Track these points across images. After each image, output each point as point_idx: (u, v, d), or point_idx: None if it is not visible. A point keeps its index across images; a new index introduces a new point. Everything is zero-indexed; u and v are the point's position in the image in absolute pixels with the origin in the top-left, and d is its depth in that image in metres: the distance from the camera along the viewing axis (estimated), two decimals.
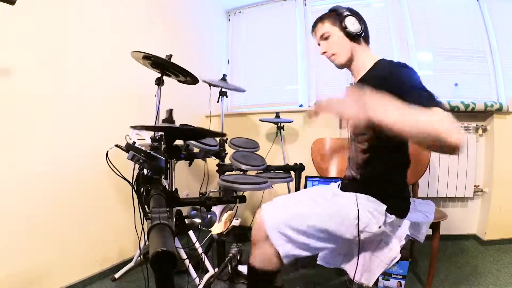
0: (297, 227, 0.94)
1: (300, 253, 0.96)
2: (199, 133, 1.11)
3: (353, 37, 1.06)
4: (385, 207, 0.98)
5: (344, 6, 1.09)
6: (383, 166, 1.03)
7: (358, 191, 1.03)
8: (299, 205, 1.04)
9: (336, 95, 0.83)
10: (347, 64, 1.11)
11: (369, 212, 0.97)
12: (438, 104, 0.77)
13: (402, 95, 0.79)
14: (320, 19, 1.12)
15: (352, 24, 1.04)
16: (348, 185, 1.14)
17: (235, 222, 1.47)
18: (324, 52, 1.11)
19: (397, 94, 0.80)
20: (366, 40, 1.10)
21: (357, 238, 0.96)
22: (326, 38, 1.10)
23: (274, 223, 0.94)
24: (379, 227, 0.97)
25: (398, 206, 1.03)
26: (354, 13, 1.07)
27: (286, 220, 0.94)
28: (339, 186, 1.24)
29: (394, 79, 0.90)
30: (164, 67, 1.51)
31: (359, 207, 0.96)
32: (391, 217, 1.00)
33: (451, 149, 0.69)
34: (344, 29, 1.05)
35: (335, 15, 1.08)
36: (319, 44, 1.14)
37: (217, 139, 1.76)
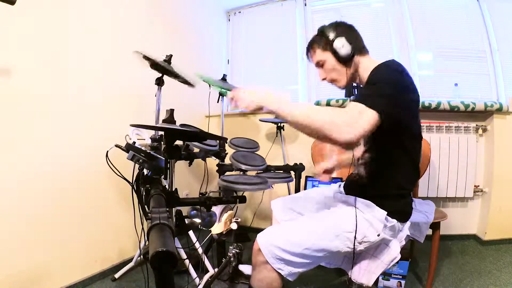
0: (293, 251, 0.92)
1: (303, 269, 0.96)
2: (200, 136, 1.11)
3: (345, 62, 1.02)
4: (385, 213, 0.97)
5: (330, 23, 1.05)
6: (383, 169, 1.02)
7: (360, 193, 1.02)
8: (293, 228, 1.01)
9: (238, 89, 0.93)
10: (351, 84, 1.09)
11: (366, 220, 0.96)
12: (373, 103, 0.79)
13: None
14: (311, 45, 1.08)
15: (341, 47, 1.00)
16: (350, 185, 1.14)
17: (234, 226, 1.47)
18: (324, 79, 1.10)
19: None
20: (362, 52, 1.05)
21: (353, 249, 0.95)
22: (322, 65, 1.07)
23: (271, 250, 0.92)
24: (378, 235, 0.96)
25: (400, 210, 1.02)
26: (341, 32, 1.01)
27: (281, 246, 0.92)
28: (340, 187, 1.24)
29: (370, 78, 0.93)
30: (164, 68, 1.51)
31: (357, 217, 0.95)
32: (392, 221, 0.98)
33: (340, 144, 0.78)
34: (334, 54, 1.02)
35: (324, 38, 1.03)
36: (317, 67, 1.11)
37: None
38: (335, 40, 1.00)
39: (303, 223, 1.03)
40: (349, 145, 0.76)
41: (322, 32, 1.04)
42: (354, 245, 0.94)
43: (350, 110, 0.80)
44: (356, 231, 0.94)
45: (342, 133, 0.76)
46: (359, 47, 1.03)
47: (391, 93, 0.85)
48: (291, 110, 0.83)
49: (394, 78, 0.91)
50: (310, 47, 1.09)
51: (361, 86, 1.10)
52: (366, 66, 1.04)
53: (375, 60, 1.05)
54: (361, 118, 0.78)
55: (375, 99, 0.81)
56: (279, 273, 0.93)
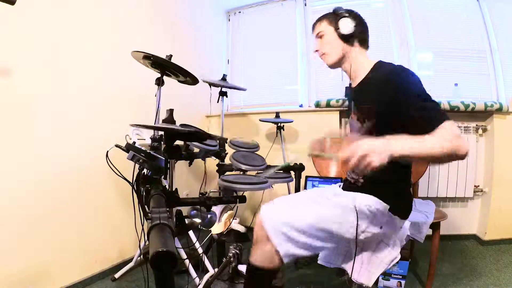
0: (297, 227, 0.93)
1: (300, 252, 0.96)
2: (200, 136, 1.11)
3: (346, 39, 1.06)
4: (387, 207, 0.98)
5: (347, 8, 1.10)
6: (385, 167, 1.02)
7: (361, 192, 1.02)
8: (299, 204, 1.04)
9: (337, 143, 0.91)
10: (338, 65, 1.13)
11: (370, 212, 0.97)
12: (443, 115, 0.80)
13: (406, 106, 0.85)
14: (320, 18, 1.13)
15: (345, 25, 1.05)
16: (350, 186, 1.14)
17: (237, 226, 1.47)
18: (317, 51, 1.15)
19: (399, 101, 0.86)
20: (363, 44, 1.09)
21: (356, 238, 0.95)
22: (321, 37, 1.12)
23: (274, 222, 0.94)
24: (380, 227, 0.97)
25: (401, 207, 1.03)
26: (353, 16, 1.06)
27: (286, 219, 0.94)
28: (341, 187, 1.24)
29: (396, 85, 0.91)
30: (164, 67, 1.51)
31: (360, 207, 0.95)
32: (394, 218, 0.99)
33: (462, 158, 0.77)
34: (337, 29, 1.06)
35: (334, 15, 1.09)
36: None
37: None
38: (344, 18, 1.05)
39: (309, 204, 1.04)
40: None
41: (335, 10, 1.10)
42: (356, 231, 0.95)
43: (444, 129, 0.79)
44: (357, 219, 0.95)
45: (463, 146, 0.77)
46: (362, 38, 1.08)
47: (431, 97, 0.87)
48: (415, 147, 0.79)
49: (416, 81, 0.92)
50: (319, 19, 1.14)
51: (356, 85, 1.11)
52: (359, 58, 1.08)
53: (370, 59, 1.08)
54: (455, 129, 0.79)
55: (439, 112, 0.83)
56: (277, 251, 0.94)
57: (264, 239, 0.95)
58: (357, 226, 0.94)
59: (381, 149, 0.76)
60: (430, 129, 0.79)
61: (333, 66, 1.14)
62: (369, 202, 0.99)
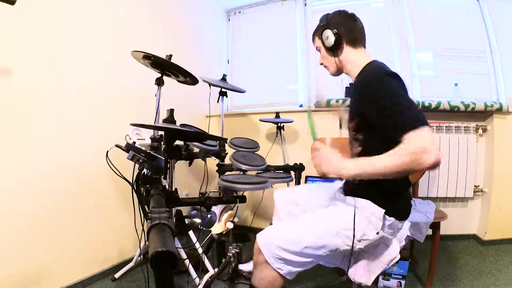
0: (293, 250, 0.93)
1: (302, 268, 0.97)
2: (200, 136, 1.12)
3: (332, 50, 1.08)
4: (383, 211, 0.97)
5: (328, 14, 1.11)
6: None
7: (358, 194, 1.02)
8: (292, 227, 1.02)
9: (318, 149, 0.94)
10: (339, 73, 1.15)
11: (366, 218, 0.96)
12: (415, 122, 0.78)
13: (382, 111, 0.86)
14: (313, 32, 1.17)
15: (326, 39, 1.07)
16: (348, 187, 1.14)
17: (230, 225, 1.47)
18: (321, 64, 1.19)
19: (377, 106, 0.87)
20: (353, 44, 1.07)
21: (352, 248, 0.95)
22: (319, 51, 1.17)
23: (270, 249, 0.93)
24: (377, 233, 0.96)
25: (399, 208, 1.02)
26: (332, 23, 1.07)
27: (281, 245, 0.93)
28: (340, 186, 1.24)
29: (376, 89, 0.90)
30: (164, 67, 1.51)
31: (356, 216, 0.95)
32: (390, 220, 0.98)
33: (429, 169, 0.77)
34: (323, 43, 1.10)
35: (321, 28, 1.11)
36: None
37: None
38: (323, 31, 1.08)
39: (302, 222, 1.04)
40: (436, 165, 0.77)
41: (319, 21, 1.13)
42: (352, 244, 0.94)
43: (408, 140, 0.78)
44: (354, 229, 0.94)
45: (426, 159, 0.75)
46: (350, 38, 1.07)
47: (406, 102, 0.85)
48: (371, 169, 0.85)
49: (393, 86, 0.89)
50: (313, 34, 1.18)
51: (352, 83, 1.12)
52: (355, 59, 1.07)
53: (369, 55, 1.08)
54: (424, 140, 0.77)
55: (408, 118, 0.81)
56: (279, 272, 0.94)
57: (264, 263, 0.95)
58: (353, 236, 0.94)
59: (335, 166, 0.88)
60: (399, 136, 0.79)
61: (336, 75, 1.17)
62: (365, 207, 0.98)
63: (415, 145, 0.76)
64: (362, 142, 1.04)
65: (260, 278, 0.97)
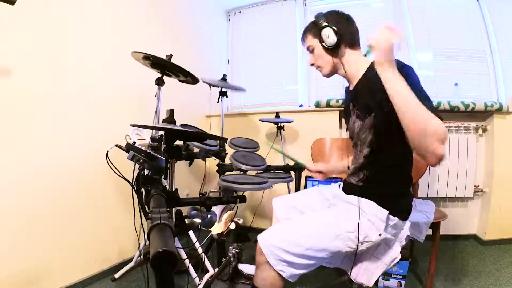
0: (295, 252, 0.92)
1: (304, 271, 0.96)
2: (200, 136, 1.12)
3: (332, 50, 1.05)
4: (386, 212, 0.97)
5: (328, 12, 1.08)
6: (386, 169, 1.02)
7: (361, 193, 1.02)
8: (294, 228, 1.01)
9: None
10: (333, 74, 1.13)
11: (368, 220, 0.96)
12: (437, 115, 0.78)
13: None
14: (305, 31, 1.13)
15: (327, 37, 1.03)
16: (349, 188, 1.14)
17: (232, 225, 1.47)
18: (312, 64, 1.15)
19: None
20: (354, 46, 1.07)
21: (355, 249, 0.95)
22: (312, 51, 1.12)
23: (272, 251, 0.93)
24: (380, 234, 0.96)
25: (402, 208, 1.02)
26: (334, 22, 1.03)
27: (283, 247, 0.92)
28: (340, 187, 1.24)
29: (403, 74, 0.87)
30: (164, 67, 1.51)
31: (359, 217, 0.95)
32: (394, 219, 0.98)
33: (433, 160, 0.76)
34: (321, 42, 1.05)
35: (316, 27, 1.07)
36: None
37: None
38: (323, 29, 1.04)
39: (304, 223, 1.03)
40: (439, 160, 0.75)
41: (316, 19, 1.08)
42: (357, 245, 0.94)
43: (437, 122, 0.75)
44: (358, 230, 0.93)
45: (435, 147, 0.74)
46: (348, 39, 1.05)
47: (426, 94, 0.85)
48: (401, 89, 0.79)
49: (416, 75, 0.91)
50: (304, 33, 1.14)
51: (352, 89, 1.10)
52: (353, 59, 1.06)
53: (366, 58, 1.04)
54: (445, 131, 0.75)
55: (433, 107, 0.79)
56: (282, 275, 0.93)
57: (265, 263, 0.94)
58: (357, 239, 0.94)
59: (391, 57, 0.80)
60: None
61: (329, 75, 1.14)
62: (367, 208, 0.98)
63: (441, 127, 0.75)
64: (372, 143, 1.02)
65: (262, 278, 0.97)
